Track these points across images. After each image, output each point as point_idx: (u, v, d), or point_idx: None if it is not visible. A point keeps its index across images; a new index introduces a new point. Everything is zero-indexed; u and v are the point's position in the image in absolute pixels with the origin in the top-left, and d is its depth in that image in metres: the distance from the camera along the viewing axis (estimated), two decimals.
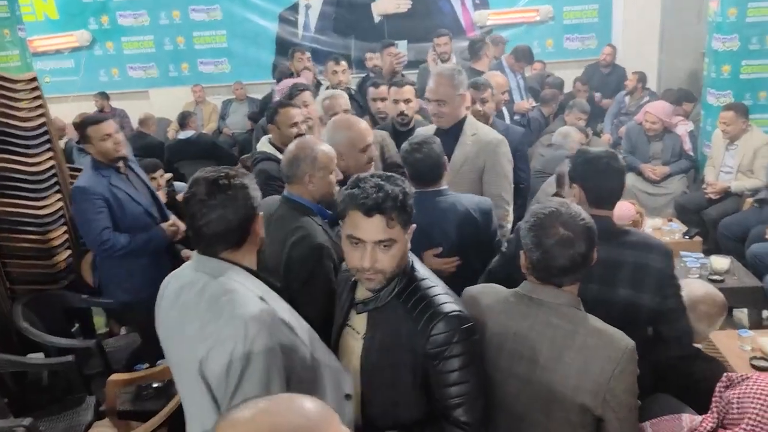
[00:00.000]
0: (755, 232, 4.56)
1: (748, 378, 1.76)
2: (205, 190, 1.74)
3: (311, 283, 2.29)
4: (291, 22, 8.74)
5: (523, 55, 6.27)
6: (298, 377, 1.70)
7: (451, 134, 3.25)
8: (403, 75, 5.11)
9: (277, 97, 5.00)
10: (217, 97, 8.75)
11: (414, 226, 1.81)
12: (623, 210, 3.00)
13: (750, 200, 5.02)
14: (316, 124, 3.80)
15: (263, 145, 3.65)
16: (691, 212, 5.37)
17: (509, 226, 3.22)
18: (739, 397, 1.72)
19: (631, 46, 8.02)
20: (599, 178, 2.34)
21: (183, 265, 1.92)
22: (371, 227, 1.71)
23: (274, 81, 6.58)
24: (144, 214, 3.55)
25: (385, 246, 1.72)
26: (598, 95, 7.79)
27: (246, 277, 1.78)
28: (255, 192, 1.82)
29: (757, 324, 4.06)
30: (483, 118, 3.72)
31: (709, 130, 5.73)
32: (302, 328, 1.81)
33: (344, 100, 3.89)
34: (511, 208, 3.32)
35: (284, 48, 8.66)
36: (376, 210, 1.68)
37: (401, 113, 3.85)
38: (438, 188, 2.74)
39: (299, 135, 3.41)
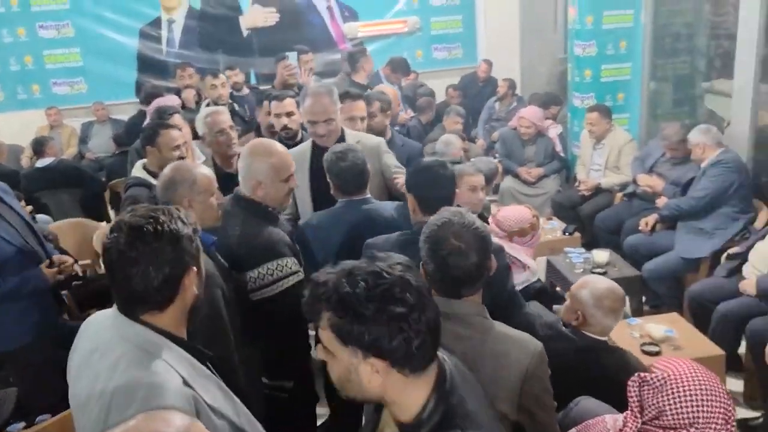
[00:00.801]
0: (629, 224, 4.85)
1: (664, 379, 1.78)
2: (125, 239, 1.47)
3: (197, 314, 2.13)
4: (154, 38, 8.27)
5: (400, 66, 6.33)
6: None
7: None
8: (299, 87, 5.00)
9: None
10: (75, 120, 8.07)
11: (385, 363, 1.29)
12: (521, 214, 3.07)
13: (620, 195, 5.35)
14: (189, 147, 3.62)
15: (137, 170, 3.47)
16: (567, 209, 5.64)
17: None
18: (671, 405, 1.73)
19: (494, 54, 8.34)
20: (430, 187, 2.40)
21: (100, 315, 1.65)
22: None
23: (137, 101, 6.18)
24: (16, 254, 3.06)
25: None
26: (456, 93, 7.87)
27: (171, 354, 1.51)
28: (189, 242, 1.55)
29: (638, 311, 4.31)
30: (373, 132, 3.70)
31: (577, 131, 6.07)
32: (236, 410, 1.59)
33: (226, 116, 3.74)
34: None
35: (147, 65, 8.23)
36: (307, 310, 1.34)
37: (285, 127, 3.72)
38: (364, 197, 2.79)
39: (181, 158, 3.25)
